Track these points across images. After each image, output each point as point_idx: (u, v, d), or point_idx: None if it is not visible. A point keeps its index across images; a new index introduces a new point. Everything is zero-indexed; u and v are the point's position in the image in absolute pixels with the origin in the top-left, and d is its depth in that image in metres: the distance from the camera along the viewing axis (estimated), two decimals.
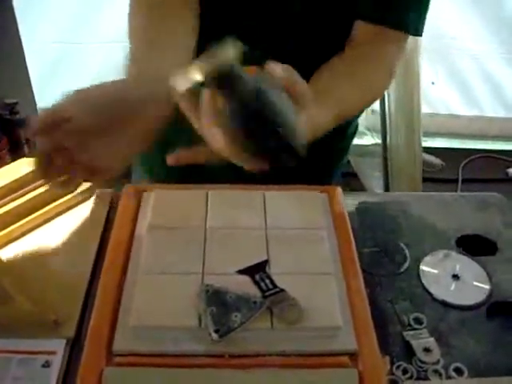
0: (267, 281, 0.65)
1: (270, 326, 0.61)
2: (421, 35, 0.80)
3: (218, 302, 0.61)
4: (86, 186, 0.81)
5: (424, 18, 0.79)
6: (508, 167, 2.34)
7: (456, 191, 2.18)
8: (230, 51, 0.47)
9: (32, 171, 0.75)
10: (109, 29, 1.96)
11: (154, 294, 0.63)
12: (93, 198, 0.82)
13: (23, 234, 0.74)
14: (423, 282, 0.75)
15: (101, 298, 0.64)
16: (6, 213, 0.74)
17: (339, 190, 0.81)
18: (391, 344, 0.67)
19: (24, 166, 0.78)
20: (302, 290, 0.64)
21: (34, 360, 0.61)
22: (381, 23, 0.78)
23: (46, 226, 0.76)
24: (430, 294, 0.74)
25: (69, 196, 0.79)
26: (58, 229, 0.76)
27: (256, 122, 0.51)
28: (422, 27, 0.80)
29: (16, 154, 1.84)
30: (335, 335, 0.62)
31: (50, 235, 0.75)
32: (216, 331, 0.58)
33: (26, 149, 1.85)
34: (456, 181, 2.22)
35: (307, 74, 0.71)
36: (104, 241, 0.75)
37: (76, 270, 0.70)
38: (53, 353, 0.62)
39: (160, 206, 0.75)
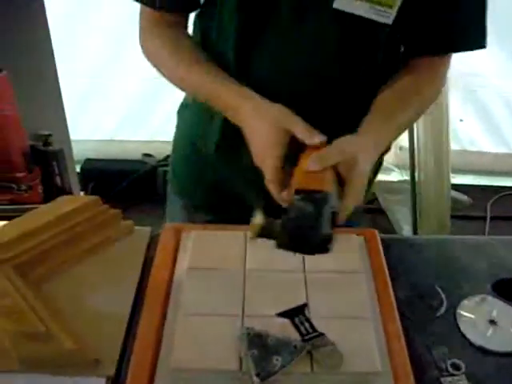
0: (306, 324, 0.65)
1: (310, 370, 0.61)
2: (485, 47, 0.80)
3: (258, 345, 0.62)
4: (126, 223, 0.83)
5: (485, 29, 0.78)
6: None
7: (484, 229, 2.16)
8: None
9: (73, 209, 0.78)
10: (138, 65, 2.01)
11: (194, 336, 0.64)
12: (132, 235, 0.83)
13: (63, 269, 0.76)
14: (460, 327, 0.74)
15: (141, 338, 0.65)
16: (48, 246, 0.75)
17: (376, 233, 0.82)
18: None
19: (65, 203, 0.81)
20: (341, 334, 0.64)
21: None
22: (445, 52, 0.80)
23: (86, 261, 0.78)
24: (467, 339, 0.73)
25: (111, 232, 0.81)
26: (99, 264, 0.78)
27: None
28: (485, 39, 0.79)
29: (48, 185, 1.88)
30: (374, 380, 0.62)
31: (90, 270, 0.77)
32: (257, 375, 0.59)
33: (58, 180, 1.89)
34: (484, 218, 2.20)
35: (352, 98, 0.79)
36: (143, 279, 0.76)
37: (116, 308, 0.71)
38: None
39: (199, 246, 0.76)
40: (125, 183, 2.05)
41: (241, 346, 0.62)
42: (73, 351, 0.64)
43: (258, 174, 0.69)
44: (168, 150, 2.17)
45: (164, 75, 0.81)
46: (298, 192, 0.63)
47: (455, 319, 0.76)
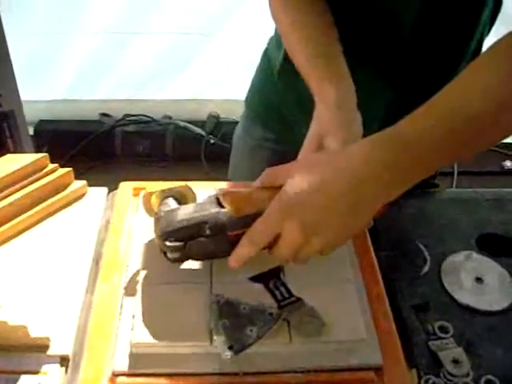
0: (282, 288, 0.59)
1: (289, 340, 0.55)
2: None
3: (230, 314, 0.55)
4: (79, 184, 0.74)
5: None
6: (504, 160, 2.31)
7: (452, 184, 2.14)
8: None
9: (21, 168, 0.69)
10: (93, 20, 1.88)
11: (157, 308, 0.57)
12: (87, 197, 0.75)
13: (13, 237, 0.67)
14: (445, 286, 0.69)
15: (98, 312, 0.58)
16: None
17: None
18: (417, 355, 0.61)
19: (11, 162, 0.71)
20: (321, 298, 0.58)
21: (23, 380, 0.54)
22: None
23: (37, 228, 0.69)
24: (453, 298, 0.68)
25: (62, 194, 0.72)
26: (51, 231, 0.69)
27: None
28: None
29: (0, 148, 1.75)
30: (358, 348, 0.57)
31: (41, 238, 0.68)
32: (230, 348, 0.52)
33: (10, 143, 1.76)
34: (452, 174, 2.18)
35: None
36: (100, 245, 0.68)
37: (70, 279, 0.63)
38: (44, 373, 0.55)
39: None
40: (80, 145, 1.94)
41: (210, 317, 0.55)
42: (20, 328, 0.56)
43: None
44: (126, 109, 2.06)
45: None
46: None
47: (440, 278, 0.71)
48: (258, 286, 0.59)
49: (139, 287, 0.59)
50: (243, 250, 0.55)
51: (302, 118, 0.88)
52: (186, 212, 0.56)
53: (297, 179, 0.54)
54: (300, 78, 0.74)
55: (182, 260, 0.58)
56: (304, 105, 0.86)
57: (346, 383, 0.55)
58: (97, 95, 1.96)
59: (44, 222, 0.70)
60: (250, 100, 1.00)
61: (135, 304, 0.57)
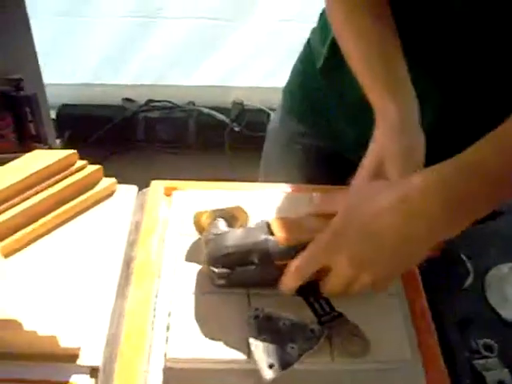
0: (323, 302, 0.56)
1: (331, 359, 0.52)
2: None
3: (270, 329, 0.52)
4: (108, 181, 0.72)
5: None
6: None
7: None
8: None
9: (49, 165, 0.66)
10: (118, 2, 1.84)
11: (193, 319, 0.54)
12: (116, 195, 0.72)
13: (35, 239, 0.65)
14: (489, 300, 0.66)
15: (130, 321, 0.55)
16: (17, 212, 0.64)
17: None
18: (460, 374, 0.59)
19: (39, 159, 0.69)
20: (363, 313, 0.55)
21: None
22: None
23: (64, 228, 0.67)
24: (497, 313, 0.65)
25: (91, 192, 0.70)
26: (79, 231, 0.67)
27: None
28: None
29: (21, 133, 1.74)
30: (402, 368, 0.54)
31: (69, 238, 0.66)
32: (270, 366, 0.50)
33: (31, 128, 1.75)
34: None
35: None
36: (130, 247, 0.66)
37: (99, 285, 0.61)
38: None
39: (188, 207, 0.65)
40: (103, 130, 1.91)
41: (249, 332, 0.52)
42: (49, 337, 0.54)
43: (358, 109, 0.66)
44: (149, 95, 2.03)
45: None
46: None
47: (483, 291, 0.67)
48: (298, 299, 0.56)
49: (174, 296, 0.56)
50: (289, 280, 0.53)
51: (342, 115, 0.85)
52: (235, 237, 0.55)
53: (350, 209, 0.52)
54: (344, 75, 0.71)
55: (227, 287, 0.56)
56: (345, 102, 0.82)
57: None
58: (120, 80, 1.93)
59: (72, 221, 0.68)
60: (288, 91, 0.96)
61: (169, 314, 0.55)
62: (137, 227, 0.68)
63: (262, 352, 0.50)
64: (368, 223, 0.50)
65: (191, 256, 0.60)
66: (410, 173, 0.53)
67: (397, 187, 0.51)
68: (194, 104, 2.03)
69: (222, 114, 2.03)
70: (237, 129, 2.04)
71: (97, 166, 0.71)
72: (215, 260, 0.54)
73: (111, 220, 0.69)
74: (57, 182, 0.68)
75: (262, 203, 0.67)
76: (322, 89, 0.86)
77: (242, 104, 2.06)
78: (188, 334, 0.53)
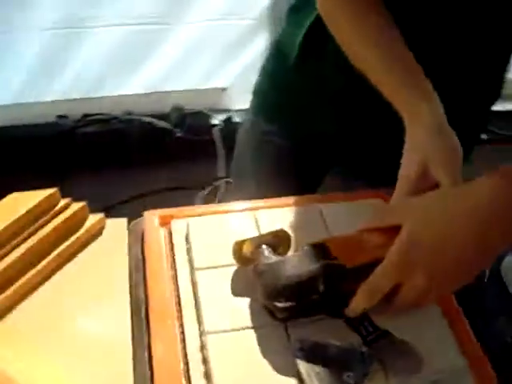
0: (364, 321, 0.53)
1: (385, 381, 0.49)
2: None
3: (320, 360, 0.49)
4: (95, 218, 0.65)
5: None
6: None
7: None
8: None
9: (31, 208, 0.59)
10: (41, 15, 1.71)
11: (233, 360, 0.50)
12: (106, 231, 0.66)
13: (30, 290, 0.58)
14: (509, 289, 0.66)
15: (160, 378, 0.50)
16: (8, 263, 0.57)
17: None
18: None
19: (19, 202, 0.61)
20: (406, 326, 0.53)
21: None
22: None
23: (59, 275, 0.60)
24: None
25: (80, 232, 0.63)
26: (76, 276, 0.61)
27: None
28: None
29: None
30: (456, 376, 0.52)
31: (64, 287, 0.59)
32: None
33: None
34: None
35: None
36: (135, 288, 0.60)
37: (110, 333, 0.55)
38: None
39: (201, 238, 0.60)
40: (37, 151, 1.79)
41: (299, 366, 0.49)
42: None
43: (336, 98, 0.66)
44: (84, 109, 1.90)
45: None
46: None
47: (502, 279, 0.67)
48: (335, 322, 0.53)
49: (205, 339, 0.51)
50: (361, 304, 0.50)
51: (320, 111, 0.82)
52: (292, 266, 0.50)
53: (418, 223, 0.49)
54: (321, 69, 0.71)
55: (291, 319, 0.51)
56: (324, 96, 0.80)
57: None
58: (51, 96, 1.81)
59: (66, 267, 0.61)
60: (258, 92, 0.93)
61: (205, 361, 0.50)
62: (137, 265, 0.62)
63: None
64: (442, 235, 0.48)
65: (212, 289, 0.55)
66: (458, 174, 0.52)
67: (464, 196, 0.49)
68: (131, 114, 1.94)
69: (163, 120, 1.96)
70: (179, 134, 1.97)
71: (81, 204, 0.65)
72: (277, 293, 0.49)
73: (107, 259, 0.63)
74: (42, 226, 0.61)
75: (275, 220, 0.63)
76: (297, 86, 0.83)
77: (181, 108, 1.99)
78: (230, 374, 0.48)
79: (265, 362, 0.50)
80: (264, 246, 0.54)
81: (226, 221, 0.63)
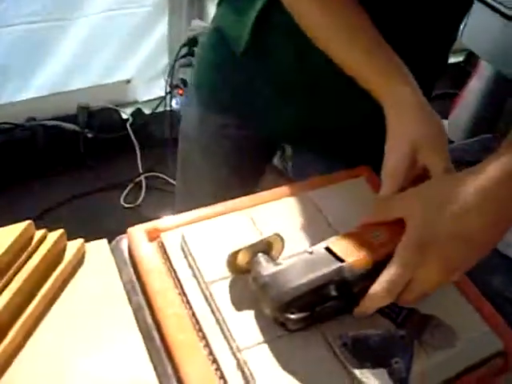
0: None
1: (426, 357, 0.50)
2: None
3: (365, 353, 0.48)
4: (75, 244, 0.60)
5: None
6: None
7: None
8: None
9: (8, 248, 0.53)
10: None
11: (274, 372, 0.48)
12: (88, 256, 0.60)
13: (32, 329, 0.52)
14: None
15: None
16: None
17: (370, 168, 0.70)
18: None
19: None
20: (426, 301, 0.53)
21: None
22: None
23: (53, 313, 0.54)
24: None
25: (64, 263, 0.57)
26: (71, 311, 0.55)
27: None
28: None
29: None
30: (482, 340, 0.54)
31: (59, 329, 0.54)
32: None
33: None
34: None
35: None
36: (141, 312, 0.55)
37: (128, 365, 0.51)
38: None
39: (201, 248, 0.57)
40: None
41: (347, 363, 0.47)
42: None
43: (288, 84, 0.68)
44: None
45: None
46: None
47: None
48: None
49: (240, 357, 0.49)
50: (379, 302, 0.48)
51: (275, 96, 0.80)
52: (297, 274, 0.48)
53: (427, 216, 0.48)
54: (272, 55, 0.70)
55: (303, 329, 0.49)
56: (278, 80, 0.77)
57: (484, 379, 0.52)
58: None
59: (57, 304, 0.55)
60: (203, 85, 0.88)
61: (247, 379, 0.47)
62: (134, 287, 0.58)
63: (373, 380, 0.46)
64: (456, 227, 0.47)
65: (237, 302, 0.52)
66: (449, 160, 0.51)
67: (473, 176, 0.48)
68: (35, 119, 1.80)
69: (71, 122, 1.84)
70: (89, 135, 1.87)
71: (59, 232, 0.58)
72: (287, 305, 0.47)
73: (100, 287, 0.57)
74: (22, 265, 0.54)
75: (272, 216, 0.60)
76: (247, 73, 0.80)
77: (87, 107, 1.89)
78: None
79: (308, 366, 0.48)
80: (260, 255, 0.51)
81: (221, 224, 0.60)
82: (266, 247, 0.52)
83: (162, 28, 1.93)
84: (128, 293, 0.57)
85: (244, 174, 0.94)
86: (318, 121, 0.80)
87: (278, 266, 0.50)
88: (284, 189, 0.65)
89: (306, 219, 0.61)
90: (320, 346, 0.49)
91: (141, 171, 1.92)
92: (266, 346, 0.49)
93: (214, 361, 0.49)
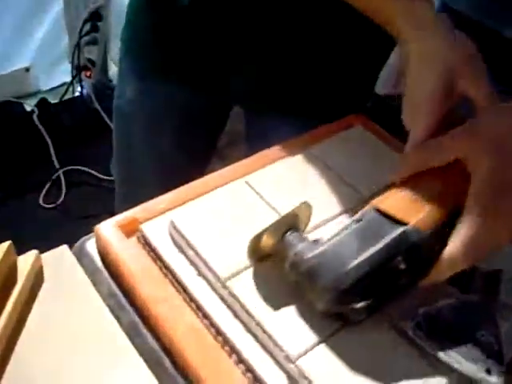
0: None
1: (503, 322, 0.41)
2: None
3: (442, 331, 0.38)
4: (30, 255, 0.45)
5: None
6: None
7: None
8: None
9: None
10: None
11: (345, 376, 0.37)
12: (47, 267, 0.46)
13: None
14: None
15: None
16: None
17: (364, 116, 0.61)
18: None
19: None
20: None
21: None
22: None
23: (25, 342, 0.40)
24: None
25: (21, 279, 0.43)
26: (44, 345, 0.41)
27: None
28: None
29: None
30: None
31: (36, 362, 0.40)
32: (488, 371, 0.36)
33: None
34: None
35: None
36: (135, 331, 0.42)
37: None
38: None
39: (200, 235, 0.44)
40: None
41: (423, 347, 0.37)
42: None
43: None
44: None
45: None
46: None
47: None
48: None
49: (295, 365, 0.37)
50: (455, 268, 0.38)
51: (230, 54, 0.68)
52: (352, 249, 0.37)
53: (491, 154, 0.38)
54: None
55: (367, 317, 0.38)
56: (228, 36, 0.65)
57: None
58: None
59: (22, 338, 0.41)
60: (138, 55, 0.74)
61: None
62: (118, 302, 0.44)
63: (464, 361, 0.36)
64: None
65: (269, 299, 0.40)
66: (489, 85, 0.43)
67: None
68: None
69: None
70: None
71: (5, 244, 0.44)
72: (348, 292, 0.36)
73: (72, 308, 0.43)
74: None
75: (273, 184, 0.49)
76: (193, 30, 0.68)
77: None
78: None
79: (378, 361, 0.37)
80: (289, 233, 0.40)
81: (216, 201, 0.47)
82: (294, 222, 0.41)
83: (57, 3, 1.72)
84: (112, 309, 0.44)
85: (195, 149, 0.83)
86: (282, 75, 0.69)
87: (320, 244, 0.38)
88: (276, 150, 0.54)
89: (316, 180, 0.50)
90: (386, 334, 0.39)
91: (57, 167, 1.72)
92: (321, 348, 0.38)
93: (256, 378, 0.37)
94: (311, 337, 0.38)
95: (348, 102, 0.70)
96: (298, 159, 0.52)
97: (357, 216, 0.40)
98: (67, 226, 1.52)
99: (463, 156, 0.39)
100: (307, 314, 0.39)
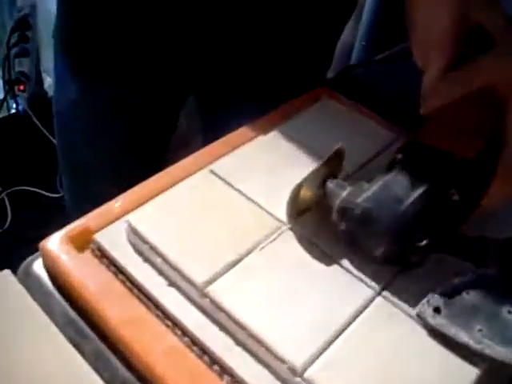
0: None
1: None
2: None
3: (467, 312, 0.33)
4: None
5: None
6: None
7: None
8: None
9: None
10: None
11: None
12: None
13: None
14: None
15: None
16: None
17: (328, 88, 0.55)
18: None
19: None
20: None
21: None
22: None
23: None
24: None
25: None
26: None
27: None
28: None
29: None
30: None
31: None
32: None
33: None
34: None
35: None
36: (105, 365, 0.35)
37: None
38: None
39: (166, 237, 0.38)
40: None
41: (446, 334, 0.32)
42: None
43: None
44: None
45: None
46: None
47: None
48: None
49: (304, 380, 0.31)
50: (510, 189, 0.37)
51: (176, 34, 0.62)
52: (405, 186, 0.36)
53: None
54: None
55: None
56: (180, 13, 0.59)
57: None
58: None
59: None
60: (76, 49, 0.67)
61: None
62: (79, 329, 0.37)
63: (492, 345, 0.31)
64: None
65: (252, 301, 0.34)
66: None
67: None
68: None
69: None
70: None
71: None
72: (412, 228, 0.34)
73: (21, 341, 0.36)
74: None
75: (245, 170, 0.43)
76: (137, 21, 0.61)
77: None
78: None
79: (399, 356, 0.32)
80: (329, 181, 0.38)
81: (181, 196, 0.41)
82: (331, 171, 0.39)
83: None
84: (71, 338, 0.37)
85: (145, 149, 0.76)
86: (237, 55, 0.63)
87: (366, 188, 0.36)
88: (242, 132, 0.48)
89: (292, 160, 0.44)
90: (402, 324, 0.33)
91: (0, 189, 1.61)
92: (329, 354, 0.32)
93: None
94: (316, 342, 0.32)
95: (308, 75, 0.65)
96: (268, 139, 0.46)
97: (399, 155, 0.38)
98: (16, 253, 1.42)
99: (495, 82, 0.37)
100: (308, 314, 0.33)
